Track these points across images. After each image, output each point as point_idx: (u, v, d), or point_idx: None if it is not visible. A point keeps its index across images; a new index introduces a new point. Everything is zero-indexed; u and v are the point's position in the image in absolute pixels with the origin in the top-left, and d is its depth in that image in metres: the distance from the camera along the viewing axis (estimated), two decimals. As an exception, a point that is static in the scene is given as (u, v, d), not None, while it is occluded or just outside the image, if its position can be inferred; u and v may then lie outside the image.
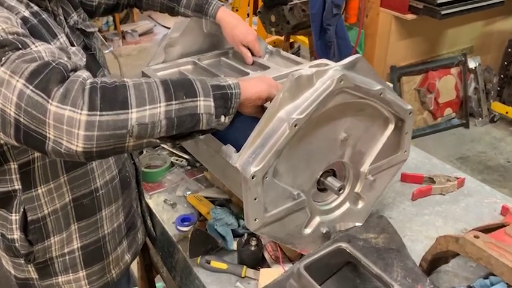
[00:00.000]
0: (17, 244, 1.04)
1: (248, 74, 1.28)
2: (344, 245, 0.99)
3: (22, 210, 1.01)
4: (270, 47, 1.50)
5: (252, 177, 0.92)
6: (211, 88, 0.83)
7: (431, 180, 1.38)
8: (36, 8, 0.95)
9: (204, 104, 0.82)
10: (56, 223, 1.05)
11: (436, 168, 1.49)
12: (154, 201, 1.37)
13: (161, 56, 1.38)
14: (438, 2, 3.00)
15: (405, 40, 3.46)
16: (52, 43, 0.92)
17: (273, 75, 1.25)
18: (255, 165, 0.92)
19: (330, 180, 1.08)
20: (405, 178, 1.41)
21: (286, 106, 0.95)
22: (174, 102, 0.78)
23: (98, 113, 0.72)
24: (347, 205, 1.15)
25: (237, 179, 1.04)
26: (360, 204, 1.17)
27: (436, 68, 3.66)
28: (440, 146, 3.58)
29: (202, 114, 0.81)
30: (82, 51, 0.95)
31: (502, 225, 1.01)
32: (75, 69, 0.78)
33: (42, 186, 1.00)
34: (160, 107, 0.77)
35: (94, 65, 1.10)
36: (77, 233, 1.08)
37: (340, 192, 1.08)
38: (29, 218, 1.01)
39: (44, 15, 0.95)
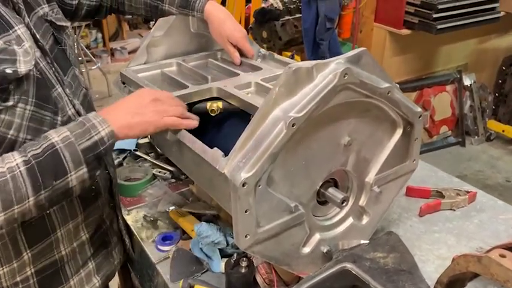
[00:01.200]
0: None
1: (238, 75, 1.16)
2: (349, 265, 0.85)
3: None
4: (262, 50, 1.39)
5: (243, 185, 0.79)
6: (82, 154, 0.81)
7: (440, 195, 1.26)
8: None
9: (76, 176, 0.81)
10: (3, 253, 0.91)
11: (443, 181, 1.37)
12: (133, 217, 1.23)
13: (143, 57, 1.26)
14: (434, 16, 2.94)
15: (400, 56, 3.39)
16: (1, 36, 0.81)
17: (264, 76, 1.13)
18: (246, 171, 0.79)
19: (332, 191, 0.94)
20: (411, 192, 1.28)
21: (283, 103, 0.82)
22: (43, 192, 0.78)
23: None
24: (350, 220, 1.02)
25: (225, 189, 0.90)
26: (365, 220, 1.04)
27: (431, 85, 3.59)
28: (436, 165, 3.46)
29: (75, 186, 0.82)
30: (34, 50, 0.86)
31: (530, 242, 0.88)
32: None
33: None
34: (29, 202, 0.77)
35: (63, 61, 0.99)
36: (30, 259, 0.93)
37: (343, 205, 0.95)
38: None
39: None
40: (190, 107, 1.08)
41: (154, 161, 1.43)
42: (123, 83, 1.21)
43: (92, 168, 0.83)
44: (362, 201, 1.02)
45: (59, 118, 0.91)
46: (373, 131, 0.96)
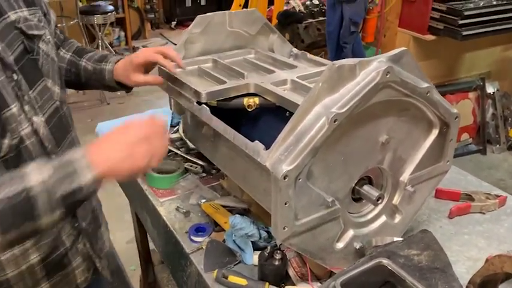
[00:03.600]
0: None
1: (274, 72, 1.18)
2: (385, 261, 0.86)
3: None
4: (295, 50, 1.41)
5: (284, 178, 0.81)
6: (60, 200, 0.74)
7: (470, 198, 1.26)
8: None
9: (49, 220, 0.75)
10: None
11: (472, 185, 1.37)
12: (166, 208, 1.25)
13: (181, 52, 1.29)
14: (460, 22, 2.93)
15: (423, 61, 3.37)
16: None
17: (300, 73, 1.15)
18: (288, 164, 0.81)
19: (367, 188, 0.96)
20: (440, 194, 1.29)
21: (325, 99, 0.84)
22: (10, 234, 0.72)
23: None
24: (383, 218, 1.03)
25: (261, 182, 0.93)
26: (397, 218, 1.05)
27: (454, 92, 3.57)
28: (457, 170, 3.45)
29: (46, 227, 0.76)
30: None
31: None
32: None
33: None
34: None
35: (33, 72, 0.91)
36: None
37: (378, 202, 0.96)
38: None
39: None
40: (226, 101, 1.11)
41: (186, 155, 1.46)
42: (161, 77, 1.24)
43: (69, 211, 0.77)
44: (395, 200, 1.03)
45: (6, 141, 0.83)
46: (410, 130, 0.97)
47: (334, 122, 0.82)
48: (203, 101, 1.08)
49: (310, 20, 3.72)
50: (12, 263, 0.92)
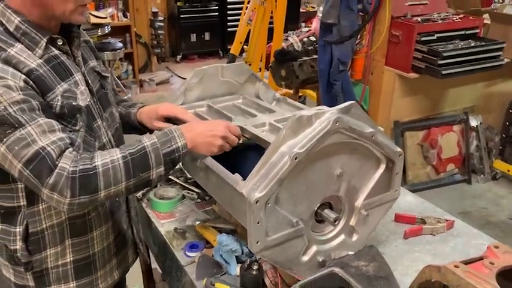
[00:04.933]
0: (18, 254, 1.20)
1: (256, 116, 1.43)
2: (337, 269, 1.09)
3: (25, 223, 1.17)
4: (277, 94, 1.67)
5: (256, 202, 1.04)
6: (162, 157, 1.11)
7: (423, 221, 1.49)
8: (56, 51, 1.16)
9: (156, 172, 1.12)
10: (52, 237, 1.21)
11: (428, 211, 1.59)
12: (166, 229, 1.49)
13: (181, 99, 1.54)
14: (439, 62, 3.20)
15: (408, 97, 3.64)
16: (65, 82, 1.14)
17: (277, 117, 1.40)
18: (259, 192, 1.05)
19: (327, 212, 1.19)
20: (399, 218, 1.52)
21: (288, 141, 1.09)
22: (132, 180, 1.09)
23: (77, 198, 1.03)
24: (342, 237, 1.26)
25: (242, 207, 1.16)
26: (355, 237, 1.28)
27: (439, 125, 3.82)
28: (442, 200, 3.65)
29: (154, 179, 1.13)
30: (88, 91, 1.21)
31: (480, 258, 1.10)
32: (61, 153, 1.03)
33: (43, 203, 1.17)
34: (122, 185, 1.08)
35: (105, 101, 1.31)
36: (70, 248, 1.24)
37: (336, 223, 1.19)
38: (30, 231, 1.18)
39: (63, 57, 1.17)
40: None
41: (184, 184, 1.70)
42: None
43: (168, 168, 1.13)
44: (352, 222, 1.26)
45: (97, 144, 1.21)
46: (361, 165, 1.21)
47: (295, 159, 1.06)
48: (197, 140, 1.33)
49: (305, 58, 4.00)
50: (99, 239, 1.28)
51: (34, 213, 1.18)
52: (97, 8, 5.24)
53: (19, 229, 1.18)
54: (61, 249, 1.23)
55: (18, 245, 1.19)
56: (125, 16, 5.74)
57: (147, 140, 1.12)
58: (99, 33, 4.65)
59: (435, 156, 3.81)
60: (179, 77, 6.38)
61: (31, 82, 1.06)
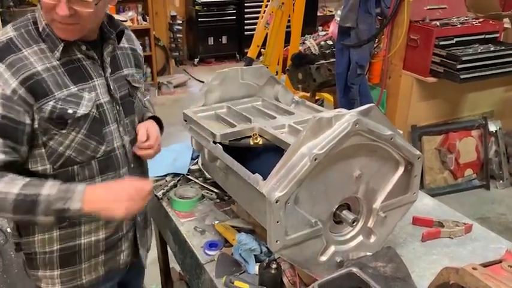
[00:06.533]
0: (12, 232, 1.31)
1: (275, 118, 1.46)
2: (355, 269, 1.11)
3: None
4: (296, 97, 1.69)
5: (276, 202, 1.07)
6: (53, 211, 1.11)
7: (441, 224, 1.49)
8: (80, 55, 1.21)
9: (43, 219, 1.13)
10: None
11: (446, 214, 1.59)
12: (186, 227, 1.52)
13: (201, 100, 1.58)
14: (458, 67, 3.18)
15: (426, 101, 3.62)
16: (78, 85, 1.19)
17: (296, 119, 1.42)
18: (279, 191, 1.07)
19: (345, 213, 1.21)
20: (416, 221, 1.52)
21: (308, 143, 1.11)
22: (17, 216, 1.13)
23: None
24: (360, 238, 1.27)
25: (262, 207, 1.18)
26: (372, 239, 1.29)
27: (457, 130, 3.79)
28: (460, 206, 3.62)
29: (42, 223, 1.17)
30: (103, 97, 1.24)
31: (499, 261, 1.11)
32: None
33: None
34: (7, 215, 1.13)
35: (129, 109, 1.35)
36: (58, 237, 1.28)
37: (354, 224, 1.21)
38: None
39: (87, 62, 1.22)
40: (236, 141, 1.39)
41: (203, 184, 1.73)
42: (185, 121, 1.53)
43: (59, 218, 1.13)
44: (370, 223, 1.27)
45: (103, 147, 1.25)
46: (379, 167, 1.22)
47: (315, 160, 1.08)
48: (218, 140, 1.36)
49: (322, 61, 4.01)
50: (87, 233, 1.30)
51: None
52: (117, 12, 5.32)
53: None
54: (48, 237, 1.28)
55: (11, 225, 1.31)
56: (144, 20, 5.83)
57: (47, 190, 1.11)
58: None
59: (453, 161, 3.78)
60: (196, 80, 6.44)
61: (23, 89, 1.12)
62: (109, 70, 1.28)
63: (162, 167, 1.84)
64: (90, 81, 1.22)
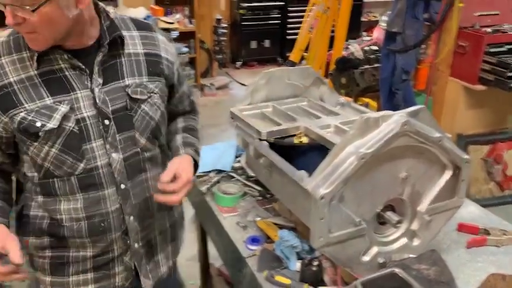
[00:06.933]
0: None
1: (320, 118, 1.47)
2: (398, 270, 1.10)
3: (21, 205, 1.28)
4: (341, 99, 1.69)
5: (321, 198, 1.08)
6: None
7: (487, 232, 1.46)
8: (63, 65, 1.13)
9: None
10: (33, 228, 1.26)
11: (492, 222, 1.55)
12: (228, 222, 1.56)
13: (248, 99, 1.61)
14: (509, 74, 3.08)
15: (473, 110, 3.52)
16: (55, 97, 1.12)
17: (342, 120, 1.43)
18: (325, 188, 1.08)
19: (389, 214, 1.21)
20: (462, 228, 1.49)
21: (355, 142, 1.12)
22: None
23: None
24: (404, 240, 1.27)
25: (305, 204, 1.20)
26: (416, 242, 1.28)
27: (505, 140, 3.65)
28: (506, 217, 3.49)
29: None
30: (68, 116, 1.12)
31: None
32: None
33: (35, 196, 1.24)
34: None
35: (125, 124, 1.20)
36: (48, 245, 1.26)
37: (398, 226, 1.21)
38: (24, 212, 1.27)
39: (70, 72, 1.13)
40: (281, 139, 1.41)
41: (245, 181, 1.77)
42: (232, 118, 1.57)
43: None
44: (414, 226, 1.26)
45: (81, 165, 1.16)
46: (426, 169, 1.21)
47: (362, 159, 1.09)
48: (263, 138, 1.39)
49: (366, 66, 3.99)
50: (74, 247, 1.25)
51: (26, 198, 1.27)
52: (165, 14, 5.48)
53: (15, 207, 1.30)
54: (40, 242, 1.26)
55: (14, 221, 1.29)
56: (191, 22, 5.97)
57: None
58: (166, 38, 4.87)
59: (500, 172, 3.65)
60: (238, 82, 6.51)
61: None
62: (99, 81, 1.16)
63: (206, 163, 1.89)
64: (72, 93, 1.13)
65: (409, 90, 3.36)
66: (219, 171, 1.85)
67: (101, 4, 1.21)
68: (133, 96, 1.21)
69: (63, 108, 1.12)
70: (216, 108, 5.61)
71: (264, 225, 1.49)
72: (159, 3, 5.46)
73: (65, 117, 1.13)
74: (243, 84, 6.44)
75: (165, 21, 4.82)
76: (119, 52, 1.20)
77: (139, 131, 1.23)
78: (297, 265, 1.32)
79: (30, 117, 1.11)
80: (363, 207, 1.17)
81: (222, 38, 6.65)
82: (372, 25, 6.94)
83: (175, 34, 4.95)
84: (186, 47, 5.28)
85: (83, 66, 1.15)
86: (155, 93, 1.25)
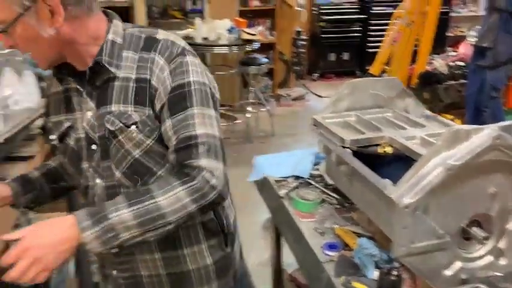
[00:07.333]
0: None
1: (406, 129, 1.47)
2: (483, 286, 1.07)
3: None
4: (427, 111, 1.67)
5: (405, 208, 1.08)
6: None
7: None
8: (70, 85, 1.18)
9: None
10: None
11: None
12: (306, 227, 1.59)
13: (330, 108, 1.64)
14: None
15: None
16: (65, 114, 1.20)
17: (428, 132, 1.42)
18: (409, 198, 1.09)
19: (475, 229, 1.18)
20: (555, 253, 1.41)
21: (442, 153, 1.11)
22: None
23: None
24: (490, 258, 1.22)
25: (387, 212, 1.20)
26: (503, 261, 1.23)
27: None
28: None
29: None
30: (66, 134, 1.20)
31: None
32: None
33: None
34: None
35: (106, 153, 1.14)
36: (161, 261, 1.25)
37: (484, 242, 1.17)
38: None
39: (72, 93, 1.18)
40: (364, 148, 1.42)
41: (323, 189, 1.79)
42: (315, 125, 1.61)
43: None
44: (502, 244, 1.21)
45: (82, 180, 1.22)
46: (518, 187, 1.17)
47: (449, 171, 1.08)
48: (346, 145, 1.41)
49: (451, 82, 3.86)
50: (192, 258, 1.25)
51: None
52: (249, 26, 5.67)
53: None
54: (153, 258, 1.25)
55: None
56: (271, 34, 6.12)
57: None
58: (247, 49, 5.03)
59: None
60: (314, 94, 6.54)
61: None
62: (90, 105, 1.15)
63: (284, 169, 1.94)
64: (76, 113, 1.19)
65: (499, 108, 3.20)
66: (297, 177, 1.89)
67: (115, 22, 1.15)
68: (106, 125, 1.12)
69: (66, 126, 1.20)
70: (291, 119, 5.68)
71: (342, 233, 1.50)
72: (243, 16, 5.66)
73: (67, 135, 1.20)
74: (319, 96, 6.46)
75: (248, 33, 4.99)
76: (114, 75, 1.11)
77: (114, 163, 1.15)
78: (374, 274, 1.32)
79: (49, 127, 1.26)
80: (448, 220, 1.15)
81: (300, 50, 6.73)
82: (458, 40, 6.67)
83: (256, 45, 5.09)
84: (265, 57, 5.41)
85: (81, 89, 1.15)
86: (135, 125, 1.10)
